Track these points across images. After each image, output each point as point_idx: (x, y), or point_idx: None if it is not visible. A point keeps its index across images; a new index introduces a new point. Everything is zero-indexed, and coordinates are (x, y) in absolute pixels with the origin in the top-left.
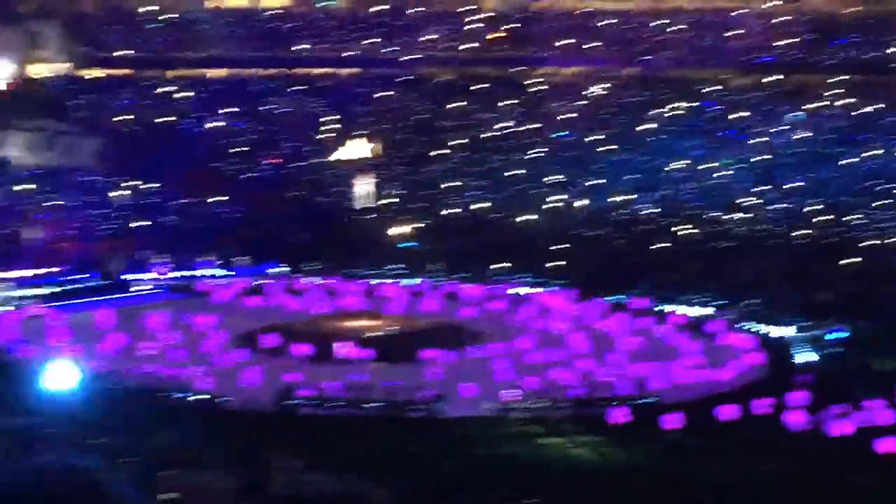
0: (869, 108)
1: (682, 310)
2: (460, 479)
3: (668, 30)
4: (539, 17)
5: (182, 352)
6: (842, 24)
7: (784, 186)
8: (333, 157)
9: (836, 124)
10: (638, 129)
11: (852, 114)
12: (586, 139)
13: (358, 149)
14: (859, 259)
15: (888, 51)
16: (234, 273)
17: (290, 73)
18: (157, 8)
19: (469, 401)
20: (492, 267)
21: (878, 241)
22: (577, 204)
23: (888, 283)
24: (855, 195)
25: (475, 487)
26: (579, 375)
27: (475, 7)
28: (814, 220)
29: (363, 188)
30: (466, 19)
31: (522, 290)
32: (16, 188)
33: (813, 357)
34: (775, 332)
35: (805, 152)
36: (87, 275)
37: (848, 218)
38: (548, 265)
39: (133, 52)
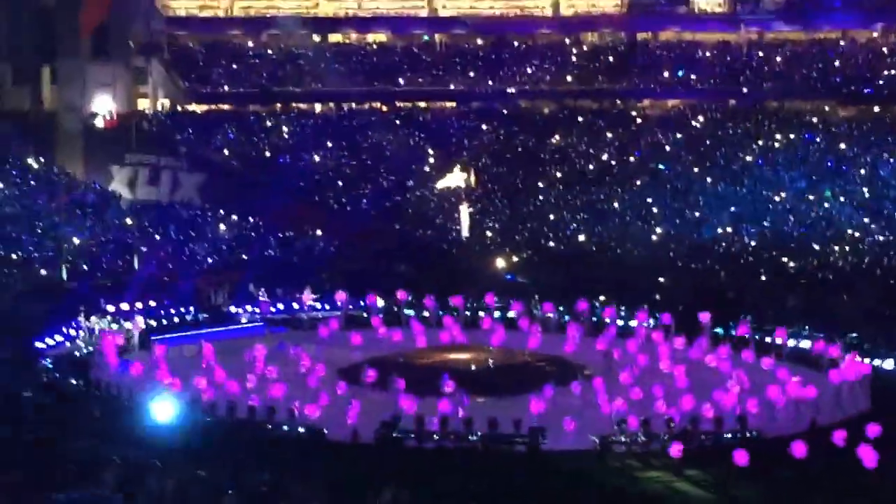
0: None
1: (789, 342)
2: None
3: (770, 61)
4: (640, 49)
5: (283, 385)
6: None
7: (890, 217)
8: (436, 185)
9: None
10: (740, 160)
11: None
12: (689, 171)
13: (459, 179)
14: None
15: None
16: (335, 306)
17: (392, 107)
18: (259, 43)
19: (572, 434)
20: (595, 300)
21: None
22: (680, 232)
23: None
24: None
25: None
26: (685, 410)
27: (576, 40)
28: None
29: (465, 219)
30: (568, 52)
31: (629, 323)
32: (120, 222)
33: None
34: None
35: None
36: (190, 308)
37: None
38: (652, 298)
39: (237, 87)
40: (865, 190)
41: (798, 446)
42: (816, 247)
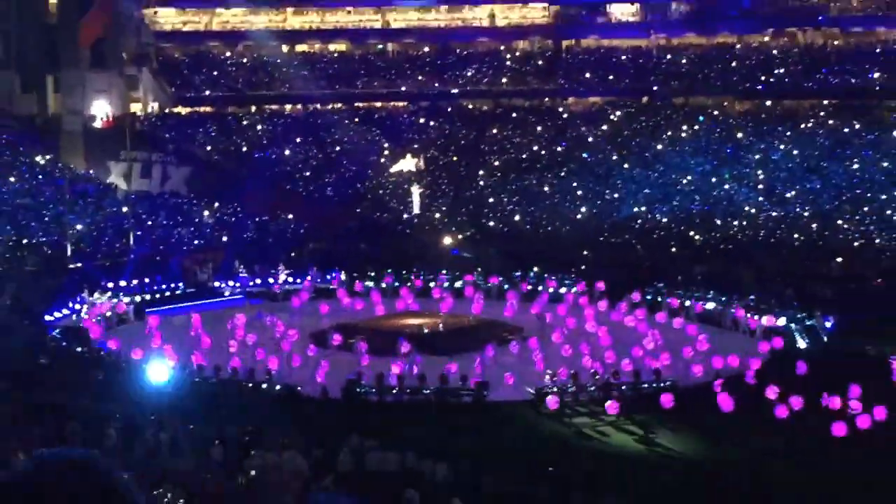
0: (848, 129)
1: (699, 304)
2: (506, 455)
3: (677, 63)
4: (565, 54)
5: (261, 349)
6: (828, 54)
7: (782, 196)
8: (391, 169)
9: (823, 141)
10: (652, 149)
11: (836, 132)
12: (608, 159)
13: (410, 164)
14: (845, 258)
15: (868, 77)
16: (306, 279)
17: (352, 107)
18: (235, 53)
19: (511, 387)
20: (529, 271)
21: (863, 242)
22: (597, 212)
23: (872, 278)
24: (841, 203)
25: (520, 461)
26: (608, 364)
27: (509, 47)
28: (805, 225)
29: (416, 199)
30: (503, 58)
31: (559, 291)
32: (116, 210)
33: (805, 343)
34: (777, 321)
35: (797, 166)
36: (179, 283)
37: (839, 222)
38: (579, 269)
39: (217, 91)
40: (760, 173)
41: (707, 393)
42: (718, 222)
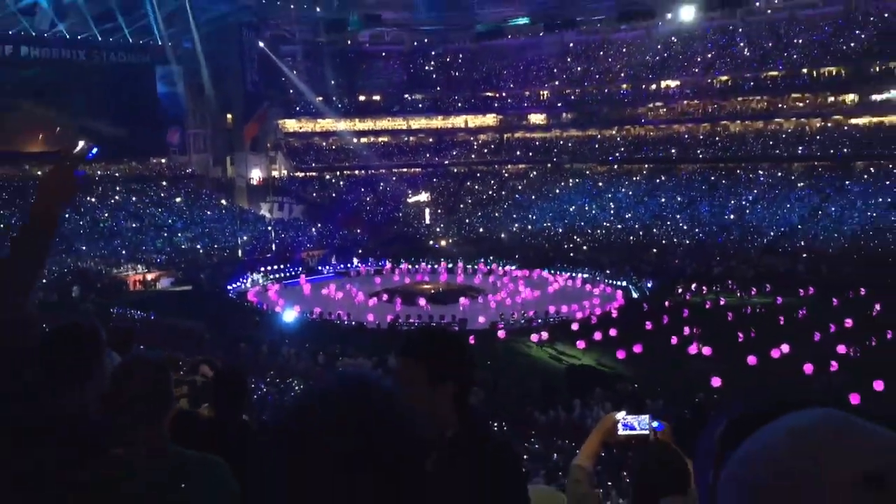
0: (658, 180)
1: (582, 277)
2: (477, 359)
3: (565, 145)
4: (506, 141)
5: (341, 302)
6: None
7: (623, 217)
8: (409, 200)
9: (645, 185)
10: (554, 192)
11: (649, 183)
12: (529, 198)
13: (424, 197)
14: (658, 250)
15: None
16: (367, 265)
17: (390, 171)
18: (327, 143)
19: (479, 322)
20: (488, 258)
21: (664, 242)
22: (524, 226)
23: (672, 260)
24: (652, 219)
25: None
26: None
27: (476, 137)
28: (636, 231)
29: (427, 217)
30: (471, 143)
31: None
32: (265, 229)
33: (636, 294)
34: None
35: (630, 200)
36: (299, 268)
37: (653, 230)
38: (513, 256)
39: (319, 164)
40: (611, 204)
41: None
42: (590, 231)
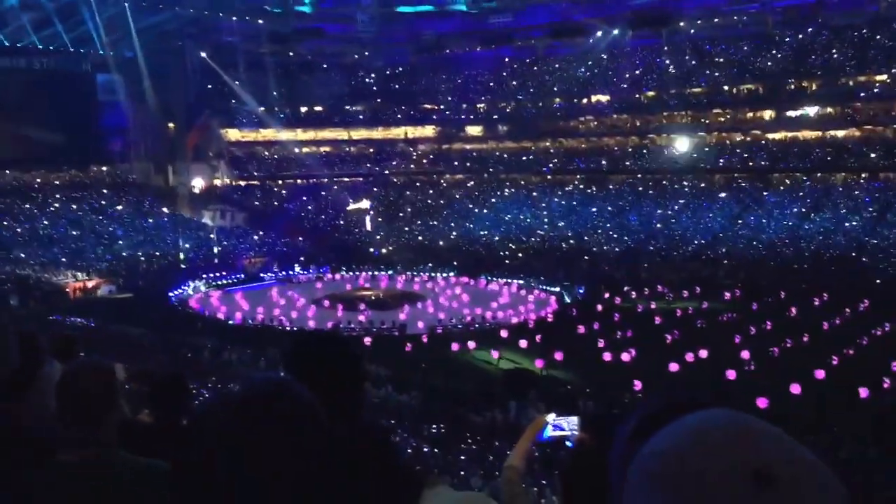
0: (590, 191)
1: (518, 284)
2: (415, 363)
3: (500, 157)
4: (444, 152)
5: (283, 307)
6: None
7: (556, 224)
8: (349, 208)
9: (578, 198)
10: (490, 202)
11: (582, 195)
12: (466, 207)
13: (363, 204)
14: (590, 257)
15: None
16: (308, 272)
17: (332, 180)
18: (270, 151)
19: (418, 328)
20: (426, 265)
21: (594, 249)
22: (462, 234)
23: (603, 266)
24: (586, 228)
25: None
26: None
27: (413, 149)
28: (567, 239)
29: (368, 223)
30: (410, 154)
31: (444, 275)
32: (206, 236)
33: (568, 299)
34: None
35: (563, 209)
36: (241, 275)
37: (585, 238)
38: (450, 263)
39: (260, 172)
40: (545, 214)
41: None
42: (524, 238)
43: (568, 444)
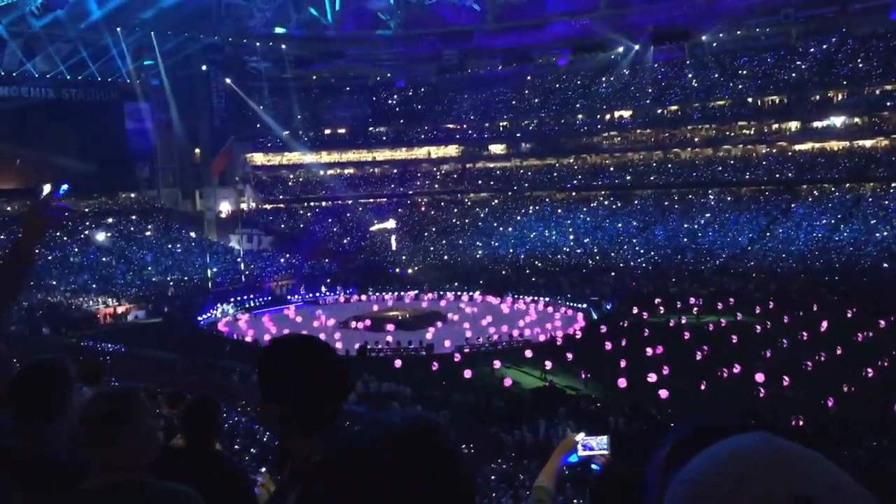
0: (606, 208)
1: (544, 301)
2: (442, 382)
3: (525, 175)
4: (467, 171)
5: (311, 330)
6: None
7: (581, 241)
8: (374, 228)
9: (598, 214)
10: (515, 221)
11: (606, 210)
12: (491, 226)
13: (388, 224)
14: (616, 273)
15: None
16: (335, 293)
17: (357, 201)
18: (296, 174)
19: (443, 345)
20: (454, 284)
21: (621, 265)
22: (487, 252)
23: (630, 282)
24: (608, 246)
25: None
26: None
27: (439, 168)
28: (594, 255)
29: (393, 243)
30: (434, 174)
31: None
32: (233, 260)
33: (595, 315)
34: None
35: (587, 226)
36: (268, 297)
37: (611, 254)
38: (477, 282)
39: (286, 196)
40: (570, 231)
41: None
42: (550, 256)
43: (594, 466)
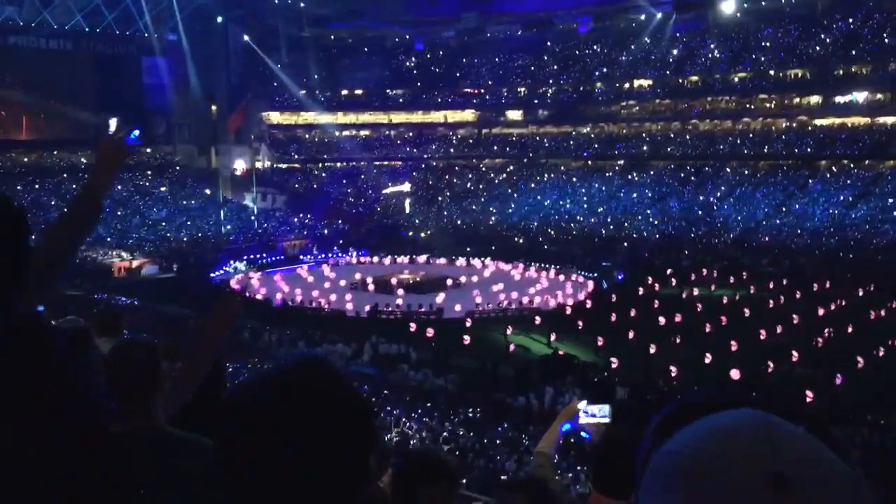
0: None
1: (556, 269)
2: (449, 345)
3: (540, 142)
4: (484, 137)
5: (322, 290)
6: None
7: (595, 211)
8: (387, 191)
9: (611, 183)
10: (529, 188)
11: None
12: (506, 192)
13: (403, 187)
14: (629, 245)
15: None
16: (348, 255)
17: (371, 163)
18: (311, 134)
19: (454, 310)
20: (467, 250)
21: (641, 235)
22: (501, 219)
23: (643, 254)
24: (619, 220)
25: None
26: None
27: (455, 132)
28: (606, 226)
29: (407, 206)
30: (450, 138)
31: (479, 261)
32: (248, 218)
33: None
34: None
35: (602, 195)
36: (281, 256)
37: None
38: (489, 248)
39: (301, 155)
40: (585, 199)
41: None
42: (563, 225)
43: (583, 434)
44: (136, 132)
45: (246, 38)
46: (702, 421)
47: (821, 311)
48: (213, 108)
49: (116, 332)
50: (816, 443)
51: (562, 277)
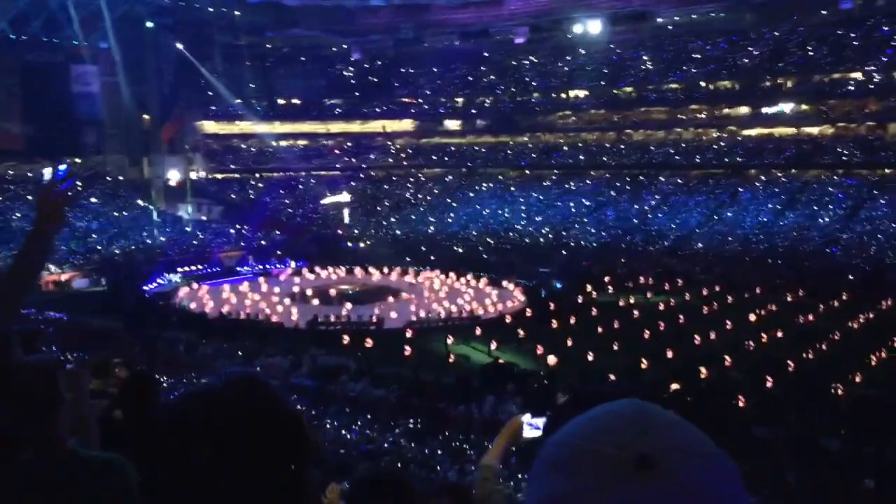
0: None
1: (495, 278)
2: (389, 355)
3: (477, 152)
4: (422, 146)
5: (260, 301)
6: None
7: (534, 219)
8: (326, 201)
9: (548, 194)
10: (468, 198)
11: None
12: (443, 202)
13: (342, 197)
14: (568, 253)
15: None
16: (286, 265)
17: (310, 174)
18: (248, 144)
19: (393, 320)
20: (406, 260)
21: (578, 243)
22: (440, 228)
23: (581, 262)
24: (549, 228)
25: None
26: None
27: (393, 142)
28: (544, 235)
29: (346, 216)
30: (388, 147)
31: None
32: (182, 230)
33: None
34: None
35: (539, 204)
36: (217, 268)
37: (549, 236)
38: (427, 258)
39: (237, 166)
40: (523, 209)
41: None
42: (501, 234)
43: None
44: (63, 167)
45: (179, 46)
46: (588, 412)
47: (752, 317)
48: (146, 117)
49: (33, 352)
50: (686, 425)
51: (501, 286)
